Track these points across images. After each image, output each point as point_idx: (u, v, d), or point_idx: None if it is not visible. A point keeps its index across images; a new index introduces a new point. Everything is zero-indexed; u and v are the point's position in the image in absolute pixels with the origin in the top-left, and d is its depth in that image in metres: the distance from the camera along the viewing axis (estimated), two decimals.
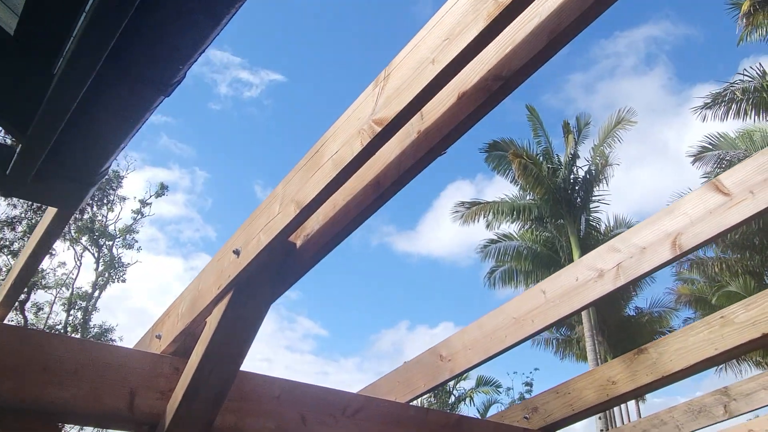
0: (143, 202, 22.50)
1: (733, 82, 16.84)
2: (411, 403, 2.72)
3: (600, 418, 18.47)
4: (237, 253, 1.70)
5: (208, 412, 1.78)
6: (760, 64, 16.24)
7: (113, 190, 21.21)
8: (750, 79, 16.35)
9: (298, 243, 1.73)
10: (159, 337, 2.04)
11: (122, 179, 21.90)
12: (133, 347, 2.15)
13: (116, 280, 21.90)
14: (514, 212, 20.06)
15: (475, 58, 1.30)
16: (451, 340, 2.56)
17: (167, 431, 1.74)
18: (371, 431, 2.42)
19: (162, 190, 22.56)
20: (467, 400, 24.60)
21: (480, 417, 18.49)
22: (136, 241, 22.41)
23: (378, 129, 1.29)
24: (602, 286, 2.07)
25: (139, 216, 22.39)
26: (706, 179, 20.78)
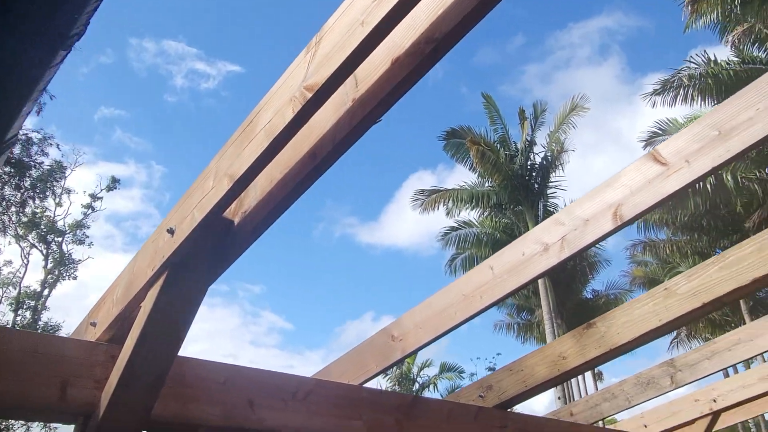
0: (94, 197, 21.74)
1: (681, 69, 17.42)
2: (364, 385, 2.69)
3: (559, 398, 18.98)
4: (171, 231, 1.63)
5: (145, 399, 1.71)
6: (705, 51, 16.83)
7: (56, 181, 20.36)
8: (696, 66, 16.93)
9: (236, 220, 1.67)
10: (94, 324, 1.95)
11: (66, 170, 21.05)
12: (69, 336, 2.05)
13: (67, 277, 21.13)
14: (473, 199, 20.31)
15: (407, 23, 1.27)
16: (402, 320, 2.54)
17: (102, 420, 1.67)
18: (323, 414, 2.38)
19: (114, 183, 21.86)
20: (431, 386, 24.91)
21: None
22: (87, 237, 21.65)
23: (309, 95, 1.25)
24: (547, 260, 2.08)
25: (90, 211, 21.63)
26: None
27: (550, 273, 2.09)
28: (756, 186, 18.76)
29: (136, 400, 1.69)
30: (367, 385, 2.75)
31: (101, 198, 21.55)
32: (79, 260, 21.24)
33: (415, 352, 2.45)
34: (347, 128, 1.37)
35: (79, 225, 21.21)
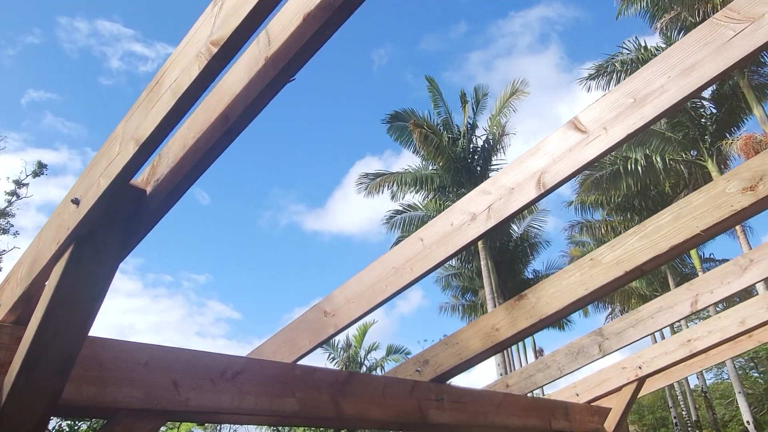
0: (18, 183, 20.45)
1: (614, 55, 18.08)
2: (297, 363, 2.65)
3: (501, 374, 19.56)
4: (76, 202, 1.53)
5: (53, 383, 1.61)
6: (636, 37, 17.50)
7: None
8: (628, 52, 17.61)
9: (149, 189, 1.58)
10: None
11: None
12: None
13: None
14: (418, 182, 20.48)
15: None
16: (333, 296, 2.51)
17: (5, 406, 1.56)
18: (255, 393, 2.33)
19: (40, 169, 20.61)
20: (378, 369, 25.12)
21: None
22: (12, 225, 20.39)
23: (215, 50, 1.18)
24: (475, 228, 2.10)
25: (14, 198, 20.38)
26: None
27: (477, 241, 2.11)
28: (682, 167, 19.80)
29: (42, 385, 1.59)
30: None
31: (27, 185, 20.32)
32: (4, 250, 19.99)
33: (347, 327, 2.43)
34: (259, 88, 1.31)
35: (2, 213, 19.92)
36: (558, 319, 2.95)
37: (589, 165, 1.86)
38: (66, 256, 1.53)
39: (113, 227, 1.56)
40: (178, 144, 1.51)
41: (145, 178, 1.61)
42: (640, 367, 4.61)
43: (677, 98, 1.70)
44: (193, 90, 1.25)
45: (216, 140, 1.39)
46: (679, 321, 3.76)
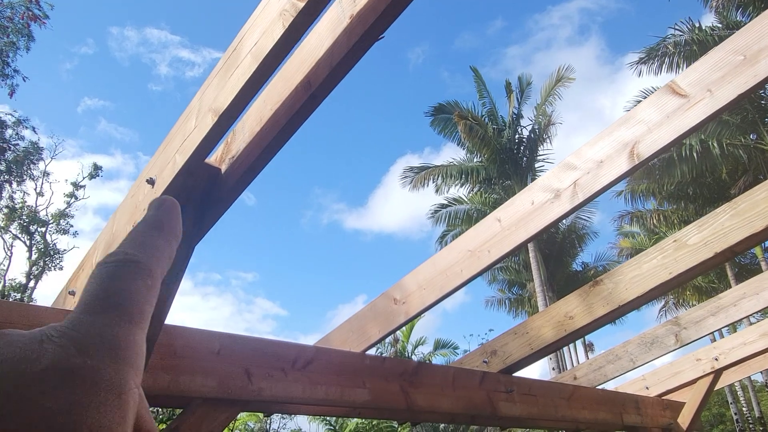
0: (76, 185, 21.20)
1: (666, 37, 17.32)
2: (366, 352, 2.57)
3: (553, 369, 19.13)
4: (151, 182, 1.47)
5: None
6: (689, 18, 16.72)
7: (33, 164, 19.72)
8: (681, 33, 16.82)
9: (224, 168, 1.51)
10: (72, 293, 1.79)
11: (43, 151, 20.33)
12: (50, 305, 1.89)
13: (53, 268, 20.70)
14: (463, 175, 20.18)
15: None
16: (404, 282, 2.41)
17: None
18: (325, 383, 2.26)
19: (95, 171, 21.31)
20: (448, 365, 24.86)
21: None
22: (71, 226, 21.17)
23: (301, 5, 1.09)
24: (560, 207, 1.95)
25: (73, 200, 21.13)
26: None
27: (560, 221, 1.96)
28: (741, 152, 18.84)
29: None
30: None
31: (83, 186, 21.03)
32: (65, 250, 20.80)
33: (419, 315, 2.32)
34: (345, 49, 1.21)
35: (62, 214, 20.68)
36: (638, 306, 2.76)
37: (693, 131, 1.69)
38: None
39: (188, 207, 1.50)
40: (253, 118, 1.43)
41: (219, 157, 1.54)
42: (716, 359, 4.34)
43: None
44: (277, 52, 1.16)
45: (298, 109, 1.29)
46: (764, 309, 3.49)
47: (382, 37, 1.19)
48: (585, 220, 24.85)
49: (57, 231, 20.62)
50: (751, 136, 19.64)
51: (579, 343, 34.26)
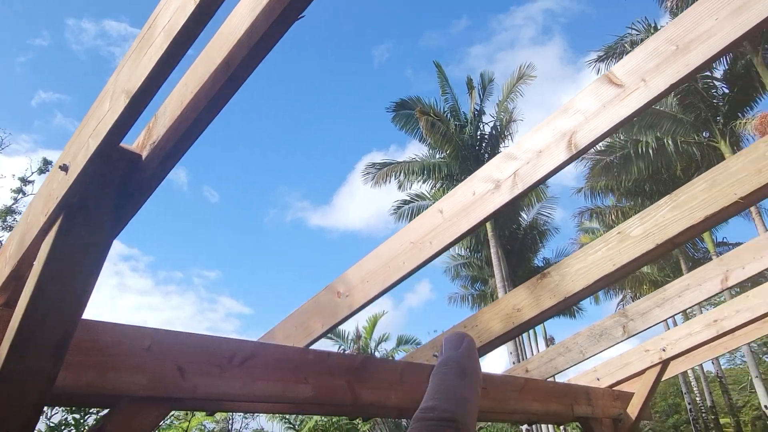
0: (24, 180, 20.37)
1: (624, 36, 17.75)
2: (311, 347, 2.51)
3: (514, 363, 19.43)
4: (65, 168, 1.38)
5: (45, 368, 1.47)
6: (645, 17, 17.16)
7: None
8: (637, 33, 17.26)
9: (144, 154, 1.43)
10: None
11: None
12: None
13: None
14: (425, 171, 20.25)
15: None
16: (347, 275, 2.37)
17: None
18: (266, 379, 2.19)
19: (45, 165, 20.51)
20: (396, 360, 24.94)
21: None
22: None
23: None
24: (500, 197, 1.93)
25: (21, 195, 20.29)
26: None
27: (504, 209, 1.95)
28: (694, 149, 19.48)
29: (34, 371, 1.45)
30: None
31: (32, 182, 20.21)
32: None
33: (362, 308, 2.28)
34: (264, 28, 1.15)
35: (9, 211, 19.84)
36: (584, 297, 2.79)
37: (627, 121, 1.69)
38: (55, 228, 1.39)
39: (106, 196, 1.42)
40: (175, 101, 1.36)
41: (140, 142, 1.46)
42: (664, 350, 4.44)
43: (728, 41, 1.53)
44: (189, 30, 1.09)
45: (217, 90, 1.23)
46: (708, 299, 3.59)
47: (303, 16, 1.13)
48: (546, 216, 25.32)
49: (3, 228, 19.76)
50: (704, 134, 20.33)
51: (540, 336, 34.94)
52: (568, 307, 2.93)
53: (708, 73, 19.51)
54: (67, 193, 1.35)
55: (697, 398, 31.31)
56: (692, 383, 31.79)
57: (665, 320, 3.64)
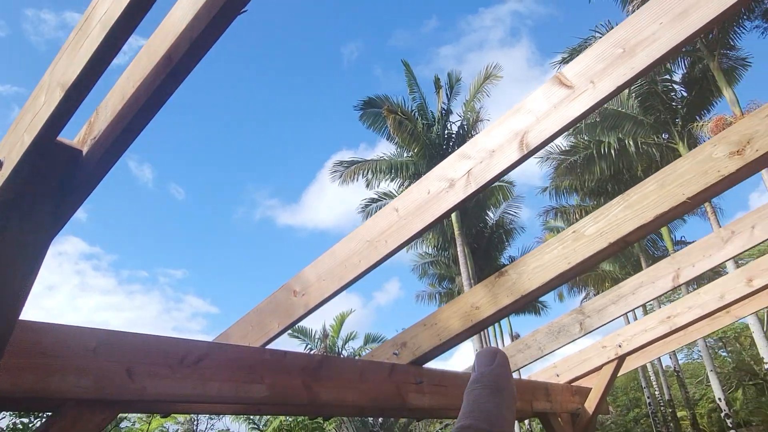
0: None
1: (588, 38, 18.10)
2: (268, 347, 2.49)
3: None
4: None
5: None
6: (609, 20, 17.54)
7: None
8: (600, 35, 17.61)
9: (85, 149, 1.39)
10: None
11: None
12: None
13: None
14: (393, 170, 20.29)
15: None
16: (304, 273, 2.35)
17: None
18: (219, 379, 2.16)
19: None
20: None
21: None
22: None
23: None
24: (454, 196, 1.95)
25: None
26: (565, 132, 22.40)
27: (458, 208, 1.96)
28: (654, 150, 20.02)
29: None
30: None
31: None
32: None
33: (318, 307, 2.26)
34: (206, 22, 1.13)
35: None
36: (540, 295, 2.83)
37: (577, 122, 1.72)
38: None
39: (44, 192, 1.37)
40: (116, 95, 1.33)
41: (81, 138, 1.42)
42: (620, 346, 4.56)
43: (670, 45, 1.57)
44: (125, 21, 1.06)
45: (159, 84, 1.20)
46: (660, 296, 3.69)
47: (245, 10, 1.11)
48: (513, 215, 25.68)
49: None
50: (663, 136, 20.92)
51: (507, 333, 35.44)
52: (525, 304, 2.97)
53: (668, 77, 20.08)
54: (1, 190, 1.30)
55: (656, 392, 32.26)
56: (651, 378, 32.73)
57: (620, 317, 3.73)
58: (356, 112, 20.28)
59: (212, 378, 2.13)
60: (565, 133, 1.78)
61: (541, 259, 2.78)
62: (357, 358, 3.25)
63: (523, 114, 1.83)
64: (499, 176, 1.86)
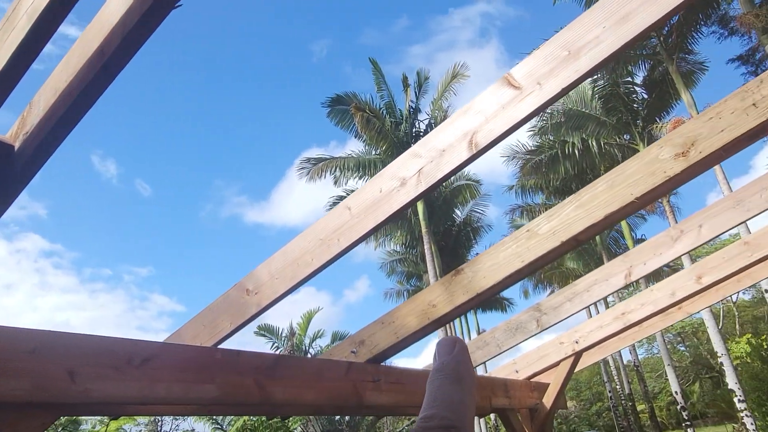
0: None
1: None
2: (220, 346, 2.45)
3: None
4: None
5: None
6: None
7: None
8: None
9: (17, 145, 1.34)
10: None
11: None
12: None
13: None
14: (361, 167, 20.26)
15: None
16: (257, 272, 2.32)
17: None
18: (167, 380, 2.11)
19: None
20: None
21: None
22: None
23: None
24: (405, 194, 1.95)
25: None
26: (532, 132, 22.79)
27: (409, 207, 1.97)
28: (616, 150, 20.50)
29: None
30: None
31: None
32: None
33: (271, 306, 2.24)
34: (138, 15, 1.10)
35: None
36: (495, 293, 2.87)
37: (523, 122, 1.75)
38: None
39: None
40: (49, 89, 1.28)
41: (14, 132, 1.37)
42: (577, 342, 4.65)
43: (613, 49, 1.60)
44: (52, 12, 1.03)
45: (92, 78, 1.17)
46: (613, 293, 3.78)
47: (180, 4, 1.09)
48: (480, 213, 25.96)
49: None
50: (625, 137, 21.45)
51: (474, 330, 35.83)
52: (480, 302, 3.00)
53: (630, 79, 20.59)
54: None
55: (618, 387, 33.12)
56: (613, 373, 33.57)
57: (575, 313, 3.81)
58: (325, 110, 20.19)
59: (161, 379, 2.08)
60: (513, 133, 1.81)
61: (496, 258, 2.81)
62: (312, 357, 3.24)
63: (473, 114, 1.85)
64: (449, 175, 1.88)
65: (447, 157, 1.87)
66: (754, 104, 2.28)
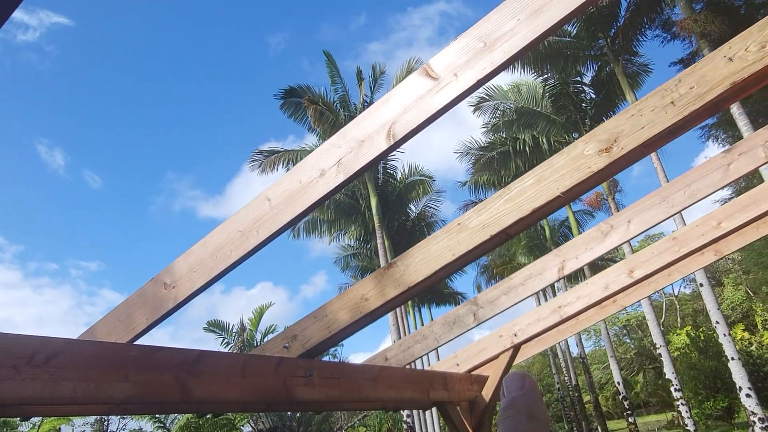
0: None
1: None
2: (135, 342, 2.35)
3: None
4: None
5: None
6: None
7: None
8: None
9: None
10: None
11: None
12: None
13: None
14: None
15: None
16: (175, 265, 2.23)
17: None
18: (75, 379, 2.00)
19: None
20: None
21: None
22: None
23: None
24: (324, 185, 1.91)
25: None
26: (485, 128, 23.10)
27: (329, 197, 1.93)
28: (565, 148, 20.97)
29: None
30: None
31: None
32: None
33: (189, 300, 2.16)
34: None
35: None
36: (426, 287, 2.86)
37: (440, 114, 1.73)
38: None
39: None
40: None
41: None
42: (515, 335, 4.73)
43: (526, 41, 1.60)
44: None
45: None
46: (547, 286, 3.85)
47: None
48: (434, 208, 26.17)
49: None
50: (574, 135, 22.01)
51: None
52: (411, 296, 2.99)
53: (578, 79, 21.13)
54: None
55: (566, 378, 34.12)
56: (562, 365, 34.54)
57: (510, 307, 3.86)
58: (279, 102, 19.85)
59: (66, 377, 1.97)
60: (430, 124, 1.79)
61: (427, 251, 2.81)
62: (239, 353, 3.14)
63: (392, 104, 1.82)
64: (368, 166, 1.84)
65: (366, 147, 1.84)
66: (672, 102, 2.34)
